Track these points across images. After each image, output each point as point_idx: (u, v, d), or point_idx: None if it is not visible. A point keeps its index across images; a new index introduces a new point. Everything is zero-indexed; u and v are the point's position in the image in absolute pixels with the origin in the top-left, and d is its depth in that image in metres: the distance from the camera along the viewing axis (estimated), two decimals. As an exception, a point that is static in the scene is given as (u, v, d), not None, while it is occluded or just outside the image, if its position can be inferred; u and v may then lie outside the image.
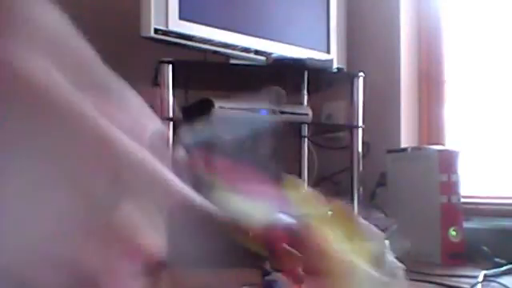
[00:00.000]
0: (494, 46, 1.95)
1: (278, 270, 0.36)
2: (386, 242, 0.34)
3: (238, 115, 1.68)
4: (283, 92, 1.54)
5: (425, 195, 1.60)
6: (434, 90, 2.09)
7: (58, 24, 0.37)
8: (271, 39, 1.83)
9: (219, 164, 0.36)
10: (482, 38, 1.98)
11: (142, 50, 1.75)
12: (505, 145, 1.88)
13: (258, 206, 0.34)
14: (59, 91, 0.30)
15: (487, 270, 1.33)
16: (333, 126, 2.12)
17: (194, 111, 1.77)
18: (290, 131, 2.10)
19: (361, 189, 1.78)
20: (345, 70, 1.93)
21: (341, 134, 2.04)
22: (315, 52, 1.89)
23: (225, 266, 0.34)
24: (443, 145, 1.96)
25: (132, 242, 0.29)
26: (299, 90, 2.02)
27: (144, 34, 1.60)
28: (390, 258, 0.33)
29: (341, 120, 2.07)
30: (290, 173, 2.10)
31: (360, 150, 1.80)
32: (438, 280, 1.24)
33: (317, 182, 2.12)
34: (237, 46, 1.78)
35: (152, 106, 0.35)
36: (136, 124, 0.35)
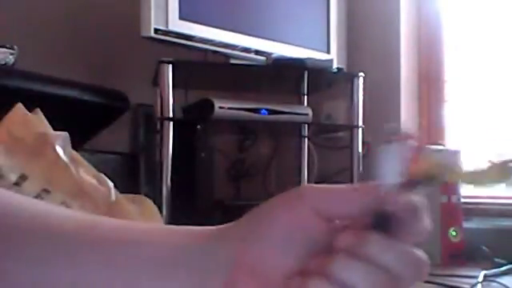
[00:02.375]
0: (494, 45, 1.94)
1: None
2: None
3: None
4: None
5: (425, 195, 1.59)
6: (433, 90, 2.08)
7: None
8: (271, 39, 1.83)
9: None
10: (482, 37, 1.98)
11: (142, 50, 1.75)
12: (505, 145, 1.88)
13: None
14: None
15: (487, 270, 1.32)
16: (333, 126, 2.12)
17: (194, 111, 1.77)
18: (290, 131, 2.10)
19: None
20: (345, 70, 1.93)
21: (341, 134, 2.04)
22: (315, 52, 1.89)
23: None
24: (443, 145, 1.96)
25: None
26: (299, 90, 2.02)
27: (144, 33, 1.60)
28: None
29: (341, 120, 2.07)
30: (290, 173, 2.11)
31: (360, 150, 1.80)
32: (438, 280, 1.24)
33: (317, 182, 2.12)
34: (237, 46, 1.78)
35: None
36: None
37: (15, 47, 1.57)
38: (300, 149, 2.10)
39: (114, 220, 0.37)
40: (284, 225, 0.32)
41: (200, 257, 0.33)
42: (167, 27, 1.62)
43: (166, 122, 1.60)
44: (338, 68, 1.87)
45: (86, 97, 1.70)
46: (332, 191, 0.33)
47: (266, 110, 1.73)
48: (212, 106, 1.65)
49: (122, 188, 1.11)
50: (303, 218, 0.32)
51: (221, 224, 0.35)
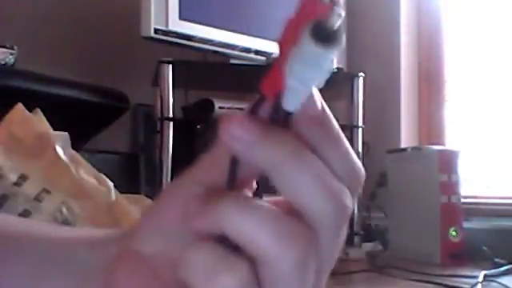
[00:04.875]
0: (494, 45, 1.94)
1: None
2: None
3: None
4: None
5: (425, 195, 1.60)
6: (434, 90, 2.09)
7: None
8: (271, 39, 1.83)
9: None
10: (483, 37, 1.98)
11: (142, 50, 1.75)
12: (505, 145, 1.88)
13: None
14: None
15: (487, 270, 1.32)
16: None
17: (194, 111, 1.77)
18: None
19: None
20: (345, 70, 1.93)
21: (341, 133, 2.04)
22: (315, 52, 1.88)
23: None
24: (443, 145, 1.96)
25: None
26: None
27: (144, 33, 1.60)
28: None
29: (341, 120, 2.07)
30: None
31: (360, 149, 1.80)
32: (438, 280, 1.24)
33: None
34: (237, 46, 1.78)
35: None
36: None
37: (15, 47, 1.57)
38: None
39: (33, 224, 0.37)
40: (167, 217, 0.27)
41: (81, 257, 0.31)
42: (167, 27, 1.62)
43: (165, 122, 1.60)
44: (337, 68, 1.86)
45: (86, 97, 1.70)
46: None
47: (266, 109, 1.73)
48: (212, 105, 1.65)
49: (121, 188, 1.11)
50: (186, 197, 0.26)
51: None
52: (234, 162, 0.24)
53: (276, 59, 0.24)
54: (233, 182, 0.24)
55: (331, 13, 0.23)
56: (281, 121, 0.24)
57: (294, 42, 0.22)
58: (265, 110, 0.24)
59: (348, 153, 0.24)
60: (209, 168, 0.26)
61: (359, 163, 0.25)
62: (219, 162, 0.25)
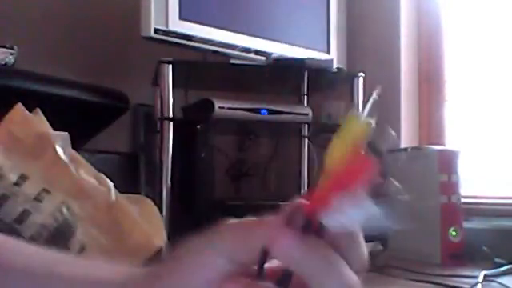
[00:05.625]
0: (494, 45, 1.94)
1: None
2: None
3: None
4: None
5: (425, 195, 1.59)
6: (434, 90, 2.08)
7: None
8: (271, 39, 1.83)
9: None
10: (483, 37, 1.98)
11: (142, 50, 1.75)
12: (505, 145, 1.88)
13: None
14: None
15: (487, 270, 1.32)
16: (333, 126, 2.12)
17: (193, 111, 1.77)
18: (290, 131, 2.10)
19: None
20: (345, 70, 1.93)
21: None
22: (315, 52, 1.89)
23: None
24: (443, 145, 1.96)
25: None
26: (299, 90, 2.02)
27: (144, 34, 1.60)
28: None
29: (341, 120, 2.07)
30: (290, 173, 2.09)
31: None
32: (438, 280, 1.24)
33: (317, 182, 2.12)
34: (237, 46, 1.78)
35: None
36: None
37: (15, 47, 1.57)
38: (300, 149, 2.10)
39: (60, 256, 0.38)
40: (193, 277, 0.29)
41: None
42: (167, 27, 1.62)
43: (165, 122, 1.60)
44: (337, 68, 1.86)
45: (86, 97, 1.70)
46: (246, 239, 0.29)
47: (266, 109, 1.73)
48: (212, 105, 1.65)
49: (121, 188, 1.11)
50: (215, 270, 0.29)
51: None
52: (265, 256, 0.28)
53: (327, 186, 0.31)
54: (261, 271, 0.29)
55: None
56: (315, 230, 0.29)
57: (348, 189, 0.29)
58: (301, 220, 0.30)
59: (363, 250, 0.31)
60: (240, 247, 0.29)
61: (367, 253, 0.31)
62: (252, 244, 0.29)
